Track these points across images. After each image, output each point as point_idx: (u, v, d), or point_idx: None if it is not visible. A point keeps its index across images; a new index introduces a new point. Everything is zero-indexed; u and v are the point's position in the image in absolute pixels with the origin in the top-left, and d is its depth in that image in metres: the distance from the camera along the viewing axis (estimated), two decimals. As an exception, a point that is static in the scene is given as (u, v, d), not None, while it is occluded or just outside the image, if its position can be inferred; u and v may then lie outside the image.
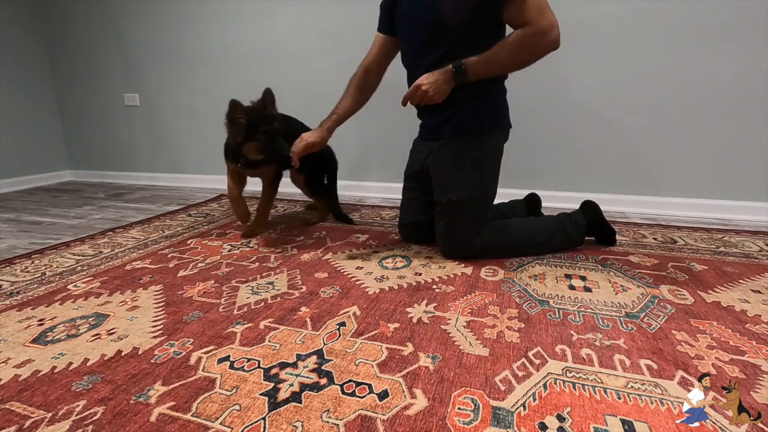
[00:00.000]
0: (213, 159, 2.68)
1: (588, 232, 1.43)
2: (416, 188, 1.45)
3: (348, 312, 1.00)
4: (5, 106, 2.66)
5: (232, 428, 0.64)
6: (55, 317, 1.00)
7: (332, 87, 2.26)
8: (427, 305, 1.03)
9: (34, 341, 0.90)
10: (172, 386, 0.74)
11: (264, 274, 1.24)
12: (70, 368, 0.80)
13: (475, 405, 0.68)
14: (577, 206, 1.48)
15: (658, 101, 1.82)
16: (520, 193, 2.07)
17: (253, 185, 1.77)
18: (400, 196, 2.25)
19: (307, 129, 1.64)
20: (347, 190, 2.34)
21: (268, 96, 1.45)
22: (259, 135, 1.37)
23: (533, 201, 1.63)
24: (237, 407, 0.68)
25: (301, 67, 2.33)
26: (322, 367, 0.78)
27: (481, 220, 1.33)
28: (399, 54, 1.42)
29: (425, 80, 1.20)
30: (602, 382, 0.73)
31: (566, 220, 1.39)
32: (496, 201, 1.43)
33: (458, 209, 1.29)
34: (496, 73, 1.21)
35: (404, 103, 1.27)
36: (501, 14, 1.13)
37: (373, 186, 2.33)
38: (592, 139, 1.94)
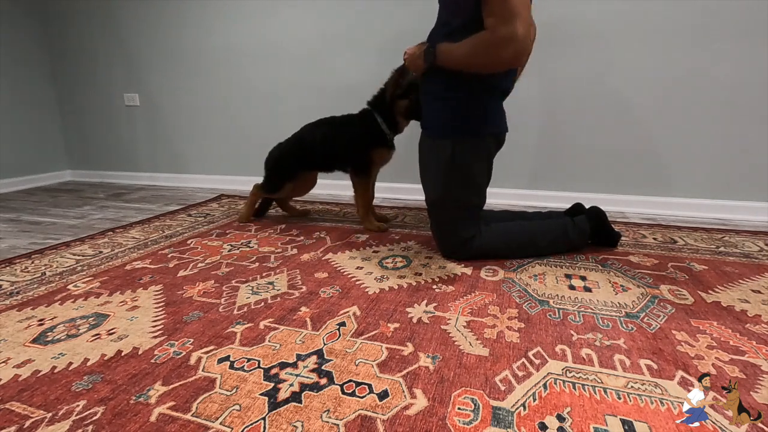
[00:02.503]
0: (213, 159, 2.68)
1: (591, 238, 1.42)
2: None
3: (348, 312, 1.00)
4: (5, 106, 2.66)
5: (232, 428, 0.64)
6: (55, 317, 1.00)
7: (333, 87, 2.27)
8: (427, 305, 1.03)
9: (34, 341, 0.90)
10: (172, 386, 0.74)
11: (264, 274, 1.24)
12: (70, 368, 0.80)
13: (475, 405, 0.68)
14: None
15: (658, 101, 1.82)
16: (520, 193, 2.08)
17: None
18: (400, 196, 2.27)
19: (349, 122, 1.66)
20: (347, 189, 2.34)
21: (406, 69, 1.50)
22: (413, 94, 1.48)
23: (598, 215, 1.41)
24: (237, 407, 0.68)
25: (302, 68, 2.33)
26: (322, 367, 0.78)
27: (469, 222, 1.30)
28: None
29: (408, 51, 1.29)
30: (602, 382, 0.73)
31: (570, 225, 1.37)
32: (509, 205, 1.41)
33: (437, 210, 1.31)
34: (458, 68, 1.13)
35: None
36: (482, 10, 1.06)
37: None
38: (592, 139, 1.94)
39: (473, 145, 1.24)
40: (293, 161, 1.71)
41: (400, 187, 2.27)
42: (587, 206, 1.45)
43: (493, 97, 1.25)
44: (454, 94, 1.21)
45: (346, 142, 1.61)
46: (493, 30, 1.00)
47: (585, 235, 1.39)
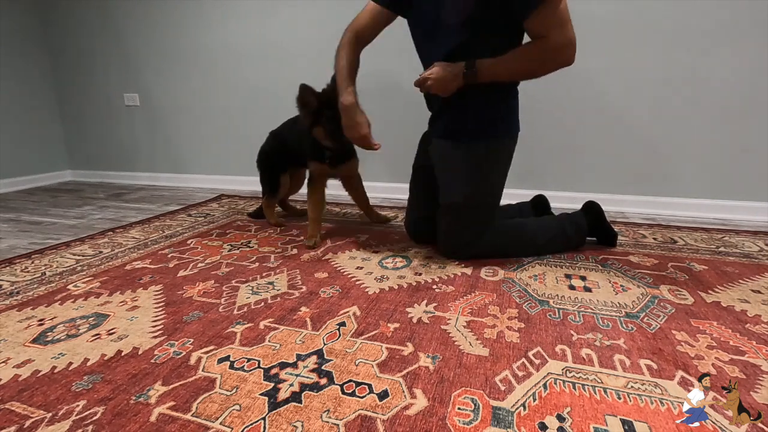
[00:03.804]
0: (213, 159, 2.68)
1: (589, 233, 1.43)
2: (426, 182, 1.41)
3: (348, 312, 1.00)
4: (5, 106, 2.66)
5: (232, 428, 0.64)
6: (55, 317, 1.00)
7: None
8: (427, 305, 1.03)
9: (34, 341, 0.90)
10: (172, 386, 0.74)
11: (264, 274, 1.24)
12: (70, 368, 0.80)
13: (475, 405, 0.68)
14: (577, 206, 1.48)
15: (658, 101, 1.82)
16: (520, 193, 2.07)
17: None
18: (400, 196, 2.26)
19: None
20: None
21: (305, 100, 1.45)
22: (324, 119, 1.37)
23: (541, 203, 1.60)
24: (237, 407, 0.68)
25: (302, 68, 2.33)
26: (322, 367, 0.78)
27: (484, 223, 1.31)
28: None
29: (434, 74, 1.17)
30: (602, 382, 0.73)
31: (567, 222, 1.39)
32: (503, 203, 1.41)
33: (461, 211, 1.29)
34: (504, 79, 1.17)
35: (416, 85, 1.25)
36: (523, 22, 1.09)
37: (373, 186, 2.33)
38: (592, 139, 1.94)
39: (505, 147, 1.28)
40: (278, 157, 1.71)
41: (400, 187, 2.26)
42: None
43: (516, 97, 1.28)
44: (484, 99, 1.21)
45: (305, 146, 1.55)
46: (550, 38, 1.07)
47: (583, 230, 1.39)
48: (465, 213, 1.29)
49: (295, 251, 1.44)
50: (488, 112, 1.23)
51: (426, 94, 1.35)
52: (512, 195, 2.07)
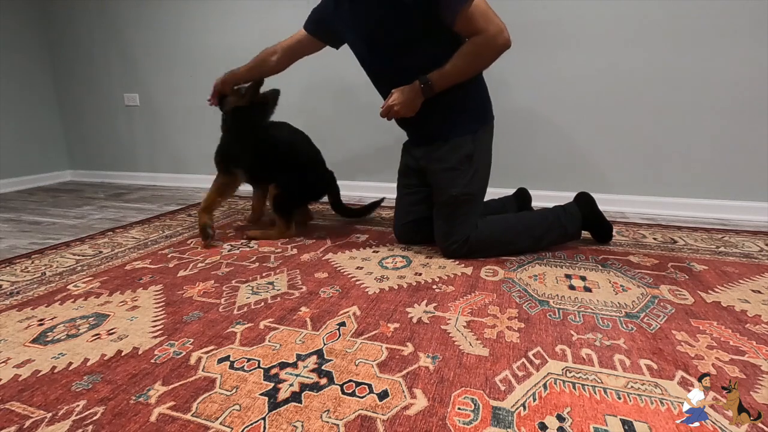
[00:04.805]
0: (213, 159, 2.68)
1: (584, 226, 1.43)
2: (413, 184, 1.46)
3: (348, 312, 1.00)
4: (5, 106, 2.66)
5: (232, 428, 0.64)
6: (55, 317, 1.00)
7: (333, 87, 2.27)
8: (427, 305, 1.03)
9: (34, 341, 0.90)
10: (172, 386, 0.74)
11: (264, 274, 1.24)
12: (70, 368, 0.80)
13: (475, 405, 0.68)
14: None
15: (658, 101, 1.81)
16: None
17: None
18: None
19: (311, 144, 1.70)
20: (347, 190, 2.34)
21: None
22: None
23: (524, 196, 1.66)
24: (237, 407, 0.68)
25: (302, 68, 2.32)
26: (322, 367, 0.78)
27: (478, 213, 1.34)
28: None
29: (397, 100, 1.23)
30: (602, 382, 0.73)
31: (561, 213, 1.40)
32: (487, 198, 1.44)
33: (458, 203, 1.30)
34: (458, 81, 1.21)
35: (383, 116, 1.30)
36: (453, 27, 1.14)
37: (373, 186, 2.34)
38: (591, 138, 1.94)
39: (487, 134, 1.34)
40: None
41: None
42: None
43: (483, 84, 1.34)
44: (457, 98, 1.25)
45: None
46: (485, 32, 1.12)
47: (578, 222, 1.40)
48: (462, 203, 1.31)
49: (295, 251, 1.44)
50: (466, 107, 1.29)
51: (396, 119, 1.37)
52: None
